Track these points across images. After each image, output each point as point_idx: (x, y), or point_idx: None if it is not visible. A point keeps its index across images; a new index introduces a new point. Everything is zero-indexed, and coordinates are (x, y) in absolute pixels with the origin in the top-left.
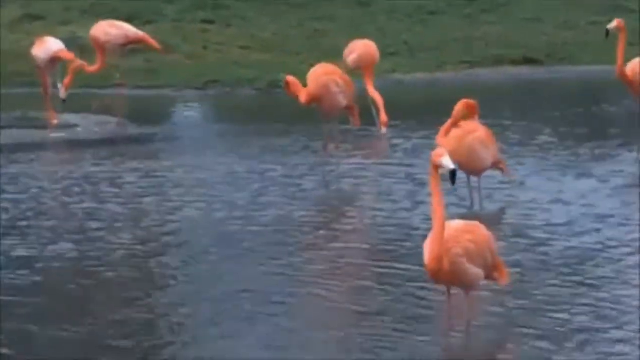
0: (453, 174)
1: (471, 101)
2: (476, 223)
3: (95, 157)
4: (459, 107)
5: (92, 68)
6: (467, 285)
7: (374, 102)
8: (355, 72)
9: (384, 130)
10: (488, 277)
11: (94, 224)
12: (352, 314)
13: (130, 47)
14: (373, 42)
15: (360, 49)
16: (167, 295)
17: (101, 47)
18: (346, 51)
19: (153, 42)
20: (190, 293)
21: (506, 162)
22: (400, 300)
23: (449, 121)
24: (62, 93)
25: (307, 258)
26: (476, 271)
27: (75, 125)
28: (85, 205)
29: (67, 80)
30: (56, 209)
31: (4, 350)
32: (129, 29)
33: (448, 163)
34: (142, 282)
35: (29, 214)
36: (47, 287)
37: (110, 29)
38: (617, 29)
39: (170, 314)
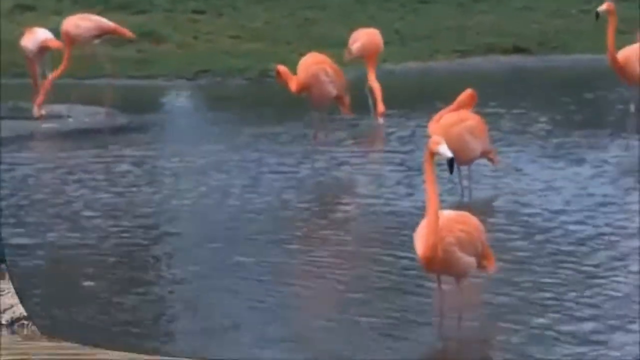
0: (451, 162)
1: (474, 92)
2: (466, 213)
3: (88, 147)
4: (464, 96)
5: (59, 71)
6: (459, 274)
7: (372, 91)
8: (353, 62)
9: (380, 120)
10: (477, 265)
11: (90, 212)
12: (348, 300)
13: (104, 37)
14: (377, 31)
15: (364, 37)
16: (166, 281)
17: (72, 41)
18: (350, 39)
19: (125, 32)
20: (187, 279)
21: (497, 151)
22: (395, 286)
23: (449, 108)
24: (36, 111)
25: (304, 245)
26: (468, 260)
27: (67, 116)
28: (80, 193)
29: (39, 99)
30: (52, 198)
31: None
32: (100, 21)
33: (445, 151)
34: (139, 269)
35: (25, 202)
36: (46, 273)
37: (80, 22)
38: (607, 11)
39: (169, 300)
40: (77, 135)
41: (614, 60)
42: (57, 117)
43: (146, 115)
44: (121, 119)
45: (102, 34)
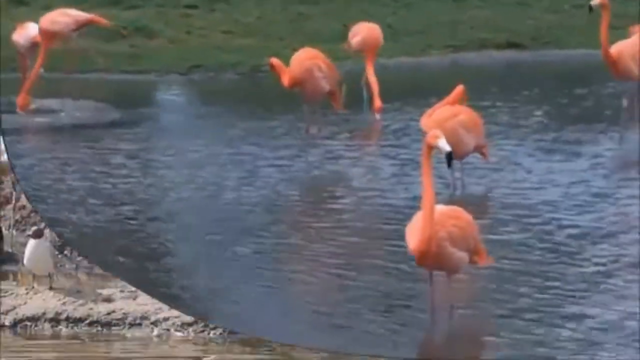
0: (449, 156)
1: (463, 88)
2: (458, 208)
3: (81, 141)
4: (458, 92)
5: (36, 69)
6: (451, 269)
7: (368, 86)
8: (348, 57)
9: (377, 116)
10: (469, 260)
11: (89, 205)
12: (345, 291)
13: (82, 30)
14: (378, 26)
15: (365, 31)
16: (165, 273)
17: (51, 38)
18: (350, 33)
19: (102, 20)
20: (186, 272)
21: (489, 145)
22: (390, 276)
23: (442, 102)
24: (20, 110)
25: (299, 238)
26: (461, 255)
27: (59, 111)
28: (77, 184)
29: (21, 97)
30: (52, 189)
31: None
32: (77, 14)
33: (444, 145)
34: (138, 263)
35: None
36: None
37: (58, 18)
38: (600, 5)
39: (170, 290)
40: (70, 129)
41: (607, 54)
42: (50, 111)
43: (139, 109)
44: (114, 114)
45: (81, 26)
